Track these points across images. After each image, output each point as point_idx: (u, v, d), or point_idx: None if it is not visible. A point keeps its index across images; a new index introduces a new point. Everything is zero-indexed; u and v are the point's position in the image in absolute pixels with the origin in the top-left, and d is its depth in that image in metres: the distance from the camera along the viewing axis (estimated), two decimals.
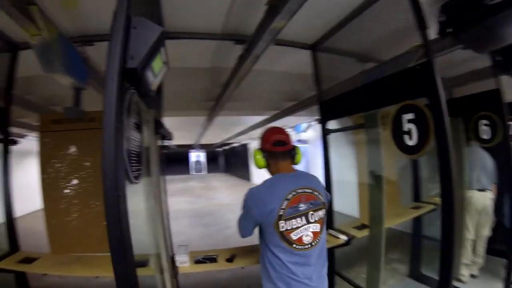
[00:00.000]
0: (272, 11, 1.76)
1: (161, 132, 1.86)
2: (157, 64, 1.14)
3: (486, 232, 3.39)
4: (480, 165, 3.42)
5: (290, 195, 1.50)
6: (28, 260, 2.30)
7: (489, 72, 2.94)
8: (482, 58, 2.91)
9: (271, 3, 1.76)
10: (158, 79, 1.26)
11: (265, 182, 1.59)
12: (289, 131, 8.44)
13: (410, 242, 3.78)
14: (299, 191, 1.53)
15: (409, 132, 1.85)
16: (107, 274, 2.16)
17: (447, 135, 1.63)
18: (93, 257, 2.31)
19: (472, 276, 3.42)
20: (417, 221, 3.64)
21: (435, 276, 3.33)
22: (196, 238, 5.87)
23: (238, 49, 2.64)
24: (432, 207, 3.46)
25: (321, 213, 1.58)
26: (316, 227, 1.54)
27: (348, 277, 2.79)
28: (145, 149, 1.54)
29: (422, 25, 1.81)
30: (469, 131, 3.41)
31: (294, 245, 1.49)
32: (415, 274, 3.70)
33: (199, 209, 9.61)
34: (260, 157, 1.66)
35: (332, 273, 2.71)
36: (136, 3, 1.10)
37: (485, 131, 3.23)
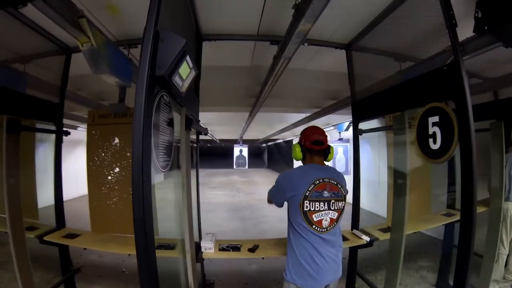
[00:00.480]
0: (298, 14, 1.85)
1: (193, 127, 2.04)
2: (184, 70, 1.30)
3: None
4: None
5: (317, 181, 1.77)
6: (71, 235, 2.66)
7: None
8: None
9: (297, 6, 1.85)
10: (187, 82, 1.43)
11: (299, 167, 1.91)
12: (331, 129, 8.42)
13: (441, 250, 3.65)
14: (326, 180, 1.79)
15: (433, 136, 1.83)
16: None
17: (472, 141, 1.60)
18: (128, 237, 2.58)
19: None
20: (450, 229, 3.48)
21: None
22: (230, 231, 6.04)
23: (274, 49, 2.77)
24: None
25: (341, 204, 1.82)
26: (334, 215, 1.79)
27: (368, 279, 2.78)
28: (176, 142, 1.73)
29: (450, 23, 1.77)
30: (510, 136, 3.16)
31: (314, 226, 1.75)
32: (442, 285, 3.53)
33: (238, 203, 9.91)
34: (299, 151, 1.94)
35: (354, 274, 2.74)
36: (170, 11, 1.26)
37: None
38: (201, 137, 2.85)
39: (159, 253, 1.64)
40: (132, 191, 1.12)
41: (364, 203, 3.30)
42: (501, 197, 3.19)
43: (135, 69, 2.72)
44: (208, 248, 2.33)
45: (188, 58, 1.28)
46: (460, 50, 1.74)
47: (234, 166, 21.71)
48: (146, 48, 1.09)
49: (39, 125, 2.72)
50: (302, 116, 6.98)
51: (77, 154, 7.09)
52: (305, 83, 4.33)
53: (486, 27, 2.02)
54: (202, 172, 21.15)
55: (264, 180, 17.60)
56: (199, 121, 2.54)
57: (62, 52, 2.86)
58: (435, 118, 1.82)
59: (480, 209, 3.33)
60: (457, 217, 3.18)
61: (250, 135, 14.97)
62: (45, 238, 2.57)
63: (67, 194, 2.92)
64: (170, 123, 1.54)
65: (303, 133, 1.99)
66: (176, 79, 1.26)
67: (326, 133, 1.95)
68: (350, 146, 7.85)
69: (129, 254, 2.44)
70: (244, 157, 21.91)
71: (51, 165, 2.84)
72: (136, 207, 1.14)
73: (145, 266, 1.19)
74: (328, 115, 5.57)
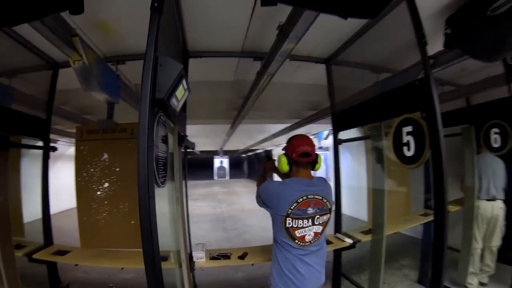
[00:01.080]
0: (282, 35, 2.00)
1: (184, 143, 2.14)
2: (180, 92, 1.41)
3: (495, 242, 3.41)
4: (491, 174, 3.45)
5: (301, 199, 1.76)
6: (61, 252, 2.65)
7: (503, 79, 2.96)
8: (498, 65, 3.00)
9: (281, 27, 2.01)
10: (181, 103, 1.54)
11: (283, 182, 1.86)
12: (311, 137, 8.69)
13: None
14: (310, 196, 1.78)
15: (407, 144, 2.02)
16: (132, 266, 2.53)
17: (441, 147, 1.79)
18: (119, 251, 2.65)
19: (482, 284, 3.47)
20: (428, 228, 3.70)
21: (445, 282, 3.46)
22: (214, 242, 6.10)
23: (257, 65, 2.91)
24: None
25: (326, 217, 1.85)
26: (319, 229, 1.82)
27: (353, 279, 2.94)
28: (170, 158, 1.82)
29: (420, 42, 1.96)
30: (480, 139, 3.45)
31: (297, 241, 1.78)
32: (424, 280, 3.77)
33: (220, 213, 9.93)
34: (285, 163, 1.88)
35: (339, 275, 2.89)
36: (162, 32, 1.38)
37: (496, 139, 3.28)
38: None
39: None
40: (140, 207, 1.20)
41: (345, 209, 3.48)
42: (473, 197, 3.47)
43: (123, 85, 2.80)
44: (200, 257, 2.42)
45: (184, 81, 1.40)
46: (430, 66, 1.95)
47: (215, 177, 21.80)
48: (147, 73, 1.20)
49: (26, 141, 2.72)
50: (282, 126, 7.13)
51: (56, 169, 6.99)
52: (286, 95, 4.54)
53: (455, 42, 2.28)
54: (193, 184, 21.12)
55: (245, 190, 17.65)
56: (187, 136, 2.65)
57: (49, 67, 2.90)
58: (409, 128, 2.01)
59: (455, 208, 3.64)
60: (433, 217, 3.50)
61: (231, 146, 15.04)
62: (34, 256, 2.55)
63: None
64: (165, 140, 1.64)
65: (289, 143, 1.96)
66: (173, 101, 1.37)
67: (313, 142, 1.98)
68: (330, 154, 8.12)
69: (122, 268, 2.50)
70: (225, 168, 22.08)
71: (32, 180, 2.85)
72: (143, 222, 1.23)
73: (152, 276, 1.32)
74: (308, 125, 5.76)
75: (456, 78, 3.91)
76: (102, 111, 4.38)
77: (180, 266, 1.99)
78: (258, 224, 7.63)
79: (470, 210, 3.50)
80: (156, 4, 1.30)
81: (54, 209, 2.89)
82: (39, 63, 2.81)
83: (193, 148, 2.64)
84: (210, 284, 3.71)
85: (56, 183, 5.44)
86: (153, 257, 1.28)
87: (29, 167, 2.97)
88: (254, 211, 9.89)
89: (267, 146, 15.68)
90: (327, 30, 2.55)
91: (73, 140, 5.58)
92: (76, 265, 2.57)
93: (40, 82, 2.88)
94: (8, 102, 2.41)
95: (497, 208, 3.39)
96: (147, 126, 1.15)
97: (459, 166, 3.81)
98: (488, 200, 3.44)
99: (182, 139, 1.97)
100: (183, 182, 2.36)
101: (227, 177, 21.81)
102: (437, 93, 1.88)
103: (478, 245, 3.49)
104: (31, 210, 2.88)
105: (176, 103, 1.44)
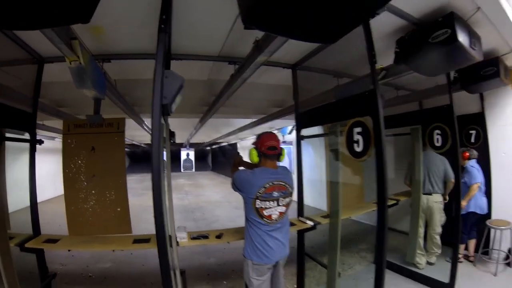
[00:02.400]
0: (258, 49, 2.43)
1: (173, 139, 2.52)
2: (178, 99, 1.79)
3: (436, 229, 4.03)
4: (430, 170, 4.04)
5: (267, 185, 2.28)
6: (51, 241, 2.86)
7: (448, 89, 3.55)
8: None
9: (257, 42, 2.43)
10: (176, 104, 1.92)
11: (254, 171, 2.36)
12: (275, 132, 9.22)
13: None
14: (275, 183, 2.32)
15: (357, 141, 2.54)
16: (121, 248, 2.89)
17: (383, 146, 2.28)
18: (107, 237, 2.96)
19: (429, 263, 4.10)
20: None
21: (396, 262, 4.12)
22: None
23: (231, 68, 3.32)
24: (393, 202, 4.20)
25: (288, 199, 2.39)
26: (282, 209, 2.36)
27: (314, 257, 3.48)
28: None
29: (371, 61, 2.42)
30: (425, 139, 4.06)
31: (265, 219, 2.30)
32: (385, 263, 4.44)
33: (188, 205, 10.35)
34: (255, 155, 2.38)
35: (302, 254, 3.40)
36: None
37: (438, 139, 3.90)
38: (148, 141, 3.29)
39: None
40: (154, 197, 1.57)
41: (309, 201, 3.98)
42: (419, 189, 4.10)
43: (108, 84, 3.08)
44: (182, 238, 2.80)
45: (182, 91, 1.78)
46: (377, 80, 2.42)
47: (182, 170, 21.86)
48: (157, 84, 1.57)
49: (11, 134, 2.88)
50: (248, 121, 7.65)
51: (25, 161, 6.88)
52: (254, 94, 4.97)
53: (402, 59, 2.83)
54: (149, 177, 20.93)
55: (210, 183, 18.12)
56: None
57: (35, 61, 3.04)
58: (359, 129, 2.53)
59: (404, 198, 4.29)
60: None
61: (197, 138, 15.34)
62: (27, 245, 2.72)
63: (24, 202, 3.03)
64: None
65: (258, 138, 2.43)
66: (173, 105, 1.75)
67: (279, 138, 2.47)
68: (293, 148, 8.71)
69: (113, 250, 2.82)
70: (191, 161, 22.23)
71: (11, 171, 3.01)
72: (156, 210, 1.60)
73: (163, 251, 1.70)
74: (273, 120, 6.32)
75: (410, 84, 4.54)
76: (78, 104, 4.61)
77: (171, 246, 2.37)
78: (225, 214, 8.15)
79: (416, 201, 4.13)
80: (162, 26, 1.66)
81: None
82: (24, 56, 2.93)
83: (174, 141, 3.00)
84: (187, 270, 4.11)
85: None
86: (163, 236, 1.66)
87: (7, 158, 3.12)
88: (220, 202, 10.44)
89: (232, 139, 16.11)
90: (295, 42, 2.98)
91: (51, 133, 5.67)
92: (69, 250, 2.83)
93: (23, 76, 3.04)
94: None
95: (432, 201, 4.02)
96: (158, 125, 1.53)
97: (404, 163, 4.49)
98: (424, 194, 4.06)
99: (172, 134, 2.35)
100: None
101: (193, 170, 21.96)
102: (382, 103, 2.38)
103: (421, 230, 4.15)
104: (10, 201, 3.00)
105: (174, 106, 1.82)
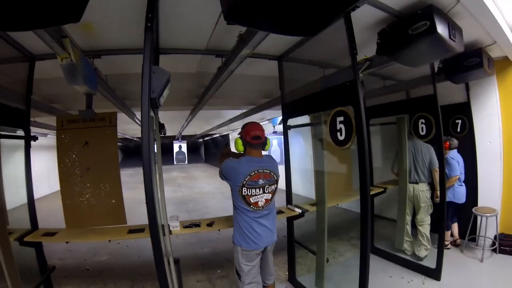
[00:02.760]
0: (242, 42, 2.53)
1: (163, 131, 2.63)
2: (165, 92, 1.91)
3: (422, 217, 4.09)
4: (418, 159, 4.14)
5: (253, 173, 2.42)
6: (49, 234, 2.99)
7: (432, 79, 3.69)
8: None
9: (241, 36, 2.54)
10: (164, 98, 2.03)
11: (240, 159, 2.49)
12: (266, 123, 9.42)
13: None
14: (260, 171, 2.45)
15: (340, 130, 2.67)
16: (116, 238, 3.08)
17: (364, 134, 2.39)
18: (103, 228, 3.10)
19: (418, 257, 4.07)
20: (371, 204, 4.52)
21: (385, 248, 4.28)
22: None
23: (218, 60, 3.42)
24: (380, 190, 4.36)
25: (274, 187, 2.53)
26: (269, 196, 2.49)
27: (304, 244, 3.63)
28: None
29: (352, 52, 2.54)
30: (411, 128, 4.19)
31: (251, 206, 2.43)
32: (370, 248, 4.59)
33: (181, 197, 10.59)
34: (240, 144, 2.53)
35: (292, 240, 3.57)
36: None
37: (422, 128, 4.03)
38: (139, 134, 3.40)
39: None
40: (145, 187, 1.71)
41: (300, 190, 4.12)
42: (405, 178, 4.22)
43: (99, 79, 3.18)
44: (175, 226, 2.94)
45: (169, 84, 1.90)
46: (357, 71, 2.55)
47: (174, 162, 21.99)
48: (145, 79, 1.68)
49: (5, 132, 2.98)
50: (238, 112, 7.78)
51: (17, 159, 6.95)
52: (243, 85, 5.09)
53: (384, 51, 2.92)
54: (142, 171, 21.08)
55: (203, 175, 18.39)
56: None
57: (26, 59, 3.11)
58: (341, 118, 2.65)
59: (392, 187, 4.44)
60: (374, 191, 4.23)
61: (189, 130, 15.51)
62: (26, 239, 2.85)
63: (18, 201, 3.19)
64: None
65: (243, 128, 2.57)
66: (161, 98, 1.87)
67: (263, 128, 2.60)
68: (281, 138, 8.87)
69: (109, 240, 2.94)
70: (184, 153, 22.33)
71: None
72: (148, 198, 1.74)
73: (156, 238, 1.83)
74: (263, 111, 6.42)
75: (397, 74, 4.62)
76: (69, 100, 4.69)
77: (164, 234, 2.50)
78: (218, 205, 8.36)
79: (402, 189, 4.28)
80: (149, 24, 1.77)
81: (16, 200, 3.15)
82: (15, 55, 3.00)
83: (165, 134, 3.11)
84: (182, 260, 4.25)
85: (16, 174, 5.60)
86: (156, 225, 1.79)
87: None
88: (213, 193, 10.64)
89: (223, 131, 16.27)
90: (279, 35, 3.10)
91: (43, 130, 5.71)
92: (67, 242, 2.93)
93: (14, 73, 3.09)
94: None
95: (418, 190, 4.12)
96: (147, 118, 1.65)
97: (392, 152, 4.62)
98: (410, 183, 4.19)
99: (162, 126, 2.47)
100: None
101: (186, 162, 22.09)
102: (362, 92, 2.52)
103: (408, 218, 4.28)
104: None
105: (162, 99, 1.94)
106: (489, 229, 4.26)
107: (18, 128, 3.01)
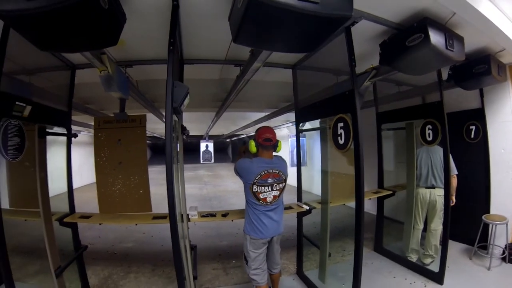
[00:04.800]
0: (253, 56, 2.99)
1: (185, 133, 3.13)
2: (186, 101, 2.41)
3: (436, 226, 4.14)
4: (435, 164, 4.20)
5: (263, 172, 2.84)
6: (85, 217, 3.59)
7: (439, 86, 3.88)
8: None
9: (252, 51, 3.00)
10: (185, 105, 2.53)
11: (252, 160, 2.92)
12: (290, 125, 9.86)
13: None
14: (270, 171, 2.87)
15: (340, 135, 3.04)
16: (143, 222, 3.62)
17: (360, 138, 2.75)
18: (131, 214, 3.68)
19: (424, 264, 4.20)
20: (380, 204, 4.84)
21: (393, 250, 4.55)
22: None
23: (237, 69, 3.91)
24: (389, 192, 4.66)
25: (282, 185, 2.94)
26: (277, 193, 2.91)
27: (310, 238, 3.99)
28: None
29: (351, 65, 2.88)
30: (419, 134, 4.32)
31: (261, 201, 2.86)
32: (378, 249, 4.89)
33: (206, 194, 11.28)
34: (254, 146, 2.93)
35: (301, 235, 3.98)
36: None
37: (429, 134, 4.16)
38: None
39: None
40: (167, 181, 2.19)
41: (317, 189, 4.44)
42: (413, 183, 4.40)
43: (130, 85, 3.75)
44: (193, 215, 3.47)
45: (188, 95, 2.39)
46: (355, 82, 2.85)
47: (201, 161, 22.78)
48: (169, 92, 2.17)
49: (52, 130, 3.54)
50: (263, 114, 8.31)
51: (52, 154, 7.80)
52: (262, 90, 5.63)
53: (385, 61, 3.20)
54: None
55: (229, 173, 18.99)
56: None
57: (68, 68, 3.67)
58: (342, 124, 3.02)
59: (401, 190, 4.69)
60: (382, 194, 4.56)
61: (216, 131, 16.22)
62: (65, 220, 3.45)
63: (55, 191, 3.53)
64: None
65: (257, 132, 3.00)
66: (182, 106, 2.36)
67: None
68: (305, 140, 9.20)
69: (136, 224, 3.54)
70: (210, 152, 23.02)
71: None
72: (169, 190, 2.22)
73: (174, 226, 2.30)
74: (286, 113, 6.91)
75: (411, 79, 4.81)
76: (103, 101, 5.37)
77: (182, 220, 2.99)
78: (241, 203, 8.69)
79: (411, 192, 4.47)
80: (171, 47, 2.26)
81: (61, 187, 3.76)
82: (59, 64, 3.56)
83: (188, 135, 3.61)
84: (200, 250, 4.75)
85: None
86: (174, 213, 2.26)
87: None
88: (236, 191, 11.08)
89: (250, 131, 16.76)
90: None
91: (77, 127, 6.44)
92: (100, 224, 3.55)
93: (61, 80, 3.63)
94: (28, 95, 2.96)
95: (435, 195, 4.15)
96: (170, 123, 2.14)
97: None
98: (427, 187, 4.24)
99: (184, 129, 2.99)
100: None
101: (212, 161, 22.82)
102: (360, 101, 2.89)
103: (418, 226, 4.35)
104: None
105: (183, 107, 2.43)
106: (500, 238, 4.30)
107: (62, 127, 3.57)
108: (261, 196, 2.87)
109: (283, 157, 3.15)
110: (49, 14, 1.65)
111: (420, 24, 2.73)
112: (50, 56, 3.36)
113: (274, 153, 3.07)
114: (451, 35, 2.82)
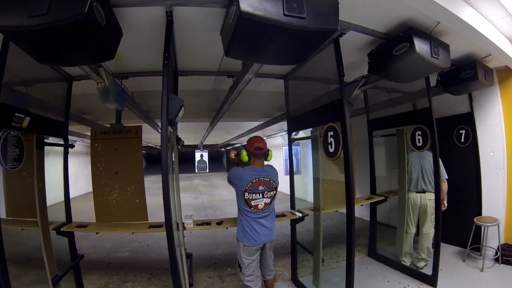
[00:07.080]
0: (245, 68, 3.12)
1: (180, 143, 3.25)
2: (180, 113, 2.53)
3: (427, 229, 4.23)
4: (426, 168, 4.31)
5: (254, 180, 2.96)
6: (82, 226, 3.66)
7: (427, 93, 3.98)
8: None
9: (244, 63, 3.14)
10: (180, 116, 2.65)
11: (244, 168, 3.05)
12: (283, 134, 9.98)
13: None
14: (261, 178, 3.00)
15: (331, 143, 3.17)
16: (139, 230, 3.68)
17: (348, 147, 2.88)
18: (127, 223, 3.75)
19: (417, 267, 4.30)
20: (373, 211, 4.95)
21: (387, 255, 4.65)
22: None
23: (230, 80, 4.04)
24: (381, 198, 4.77)
25: (272, 193, 3.05)
26: (268, 200, 3.02)
27: (304, 245, 4.10)
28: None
29: (339, 75, 3.01)
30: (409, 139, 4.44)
31: (252, 208, 2.97)
32: (372, 254, 4.99)
33: (201, 203, 11.45)
34: (245, 155, 3.07)
35: (294, 241, 4.08)
36: None
37: (419, 140, 4.26)
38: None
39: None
40: (163, 190, 2.28)
41: (310, 197, 4.54)
42: (404, 188, 4.51)
43: (127, 96, 3.87)
44: (188, 223, 3.56)
45: (183, 108, 2.52)
46: (344, 91, 2.99)
47: (196, 170, 22.86)
48: (164, 105, 2.29)
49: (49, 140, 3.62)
50: (257, 123, 8.44)
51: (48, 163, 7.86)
52: (255, 100, 5.79)
53: (373, 70, 3.30)
54: None
55: (223, 183, 18.74)
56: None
57: (65, 79, 3.77)
58: (331, 133, 3.15)
59: (393, 195, 4.80)
60: (375, 200, 4.67)
61: (210, 140, 16.39)
62: (62, 229, 3.51)
63: (51, 200, 3.57)
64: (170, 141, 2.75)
65: (248, 141, 3.15)
66: (177, 118, 2.48)
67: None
68: (299, 148, 9.33)
69: (133, 233, 3.62)
70: (205, 162, 23.11)
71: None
72: (165, 199, 2.31)
73: (170, 234, 2.38)
74: (280, 122, 7.01)
75: (401, 86, 4.99)
76: (99, 111, 5.49)
77: (178, 229, 3.09)
78: (235, 212, 8.80)
79: (402, 199, 4.58)
80: (166, 61, 2.40)
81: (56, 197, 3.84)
82: (56, 76, 3.66)
83: (182, 145, 3.73)
84: (196, 259, 4.82)
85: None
86: (170, 221, 2.35)
87: None
88: (231, 200, 11.00)
89: (244, 141, 16.87)
90: None
91: (72, 137, 6.51)
92: (97, 233, 3.64)
93: (58, 92, 3.73)
94: (26, 106, 3.04)
95: (425, 199, 4.25)
96: (165, 134, 2.26)
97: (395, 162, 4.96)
98: (417, 192, 4.35)
99: (179, 139, 3.11)
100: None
101: (207, 170, 22.89)
102: (349, 110, 3.03)
103: (410, 230, 4.45)
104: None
105: (178, 118, 2.55)
106: (492, 239, 4.41)
107: (59, 137, 3.67)
108: (252, 203, 2.99)
109: (277, 165, 3.28)
110: (49, 31, 1.76)
111: (405, 33, 2.84)
112: (47, 68, 3.46)
113: (265, 162, 3.20)
114: (436, 43, 2.93)
